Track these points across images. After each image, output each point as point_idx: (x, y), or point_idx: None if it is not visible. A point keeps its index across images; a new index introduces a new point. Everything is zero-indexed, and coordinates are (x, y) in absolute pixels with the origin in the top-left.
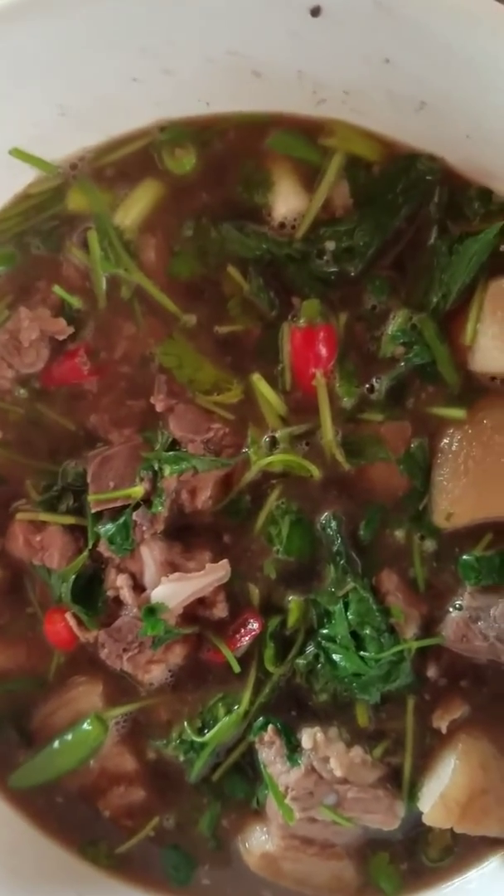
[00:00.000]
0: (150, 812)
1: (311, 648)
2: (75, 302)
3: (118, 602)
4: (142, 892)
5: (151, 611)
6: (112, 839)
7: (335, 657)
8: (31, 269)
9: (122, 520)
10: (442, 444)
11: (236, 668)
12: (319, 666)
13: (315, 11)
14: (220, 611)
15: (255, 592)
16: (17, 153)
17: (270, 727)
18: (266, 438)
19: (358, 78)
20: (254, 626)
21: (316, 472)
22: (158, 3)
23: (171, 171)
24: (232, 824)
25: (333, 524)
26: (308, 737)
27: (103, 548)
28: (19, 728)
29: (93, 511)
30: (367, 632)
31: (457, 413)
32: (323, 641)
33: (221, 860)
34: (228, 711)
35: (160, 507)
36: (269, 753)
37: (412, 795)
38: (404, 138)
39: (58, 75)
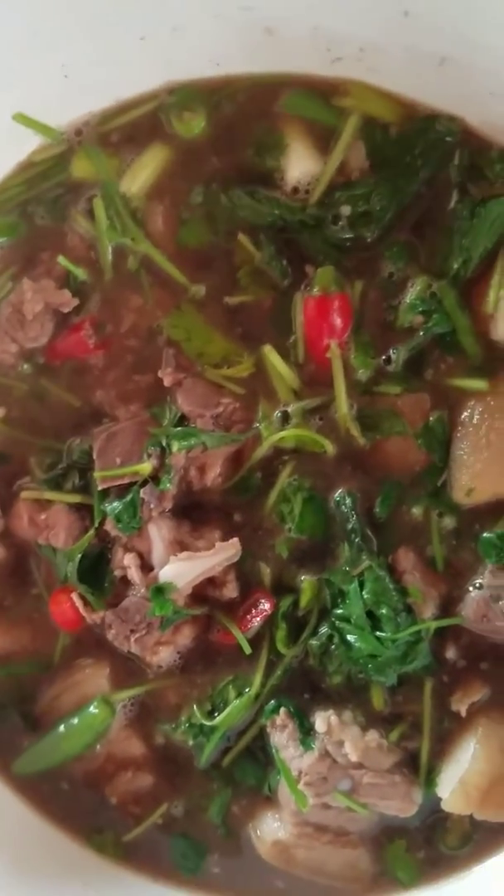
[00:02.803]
0: (158, 798)
1: (324, 629)
2: (80, 273)
3: (125, 582)
4: (150, 882)
5: (160, 590)
6: (119, 827)
7: (350, 638)
8: (34, 240)
9: (129, 497)
10: (462, 416)
11: (247, 650)
12: (333, 647)
13: None
14: (231, 591)
15: (266, 572)
16: (21, 118)
17: (283, 710)
18: (278, 413)
19: (375, 33)
20: (265, 606)
21: (330, 447)
22: None
23: (179, 135)
24: (243, 811)
25: (348, 501)
26: (322, 720)
27: (110, 526)
28: (24, 712)
29: (99, 489)
30: (384, 612)
31: (478, 384)
32: (337, 622)
33: (232, 848)
34: (239, 694)
35: (168, 485)
36: (282, 737)
37: (430, 781)
38: (423, 98)
39: (61, 33)
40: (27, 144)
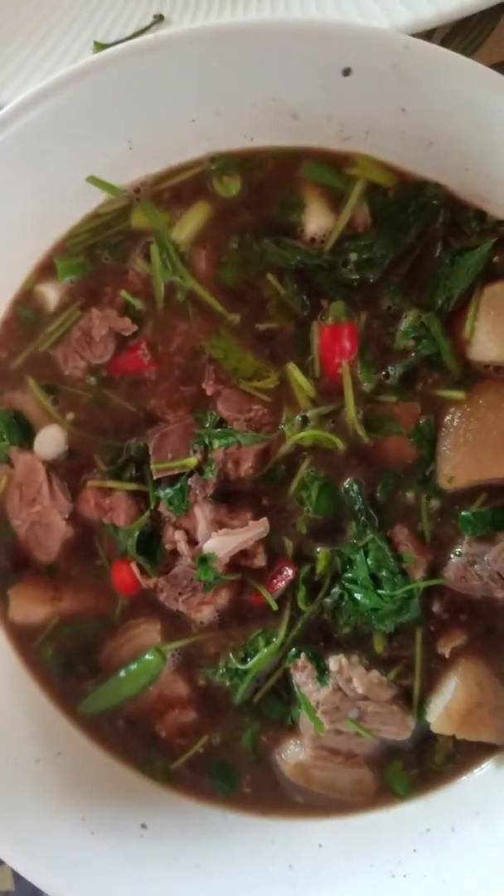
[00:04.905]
0: (200, 731)
1: (336, 590)
2: (138, 304)
3: (175, 554)
4: (193, 803)
5: (204, 560)
6: (167, 757)
7: (357, 596)
8: (100, 277)
9: (178, 485)
10: (445, 420)
11: (274, 606)
12: (343, 603)
13: (346, 72)
14: (260, 560)
15: (289, 545)
16: (93, 180)
17: (303, 655)
18: (298, 417)
19: (378, 122)
20: (288, 572)
21: (340, 444)
22: (216, 61)
23: (219, 195)
24: (270, 740)
25: (355, 487)
26: (334, 662)
27: (163, 508)
28: (88, 663)
29: (154, 478)
30: (384, 574)
31: (457, 395)
32: (346, 583)
33: (261, 771)
34: (267, 643)
35: (210, 475)
36: (302, 676)
37: (421, 711)
38: (414, 169)
39: (130, 118)
40: (94, 200)
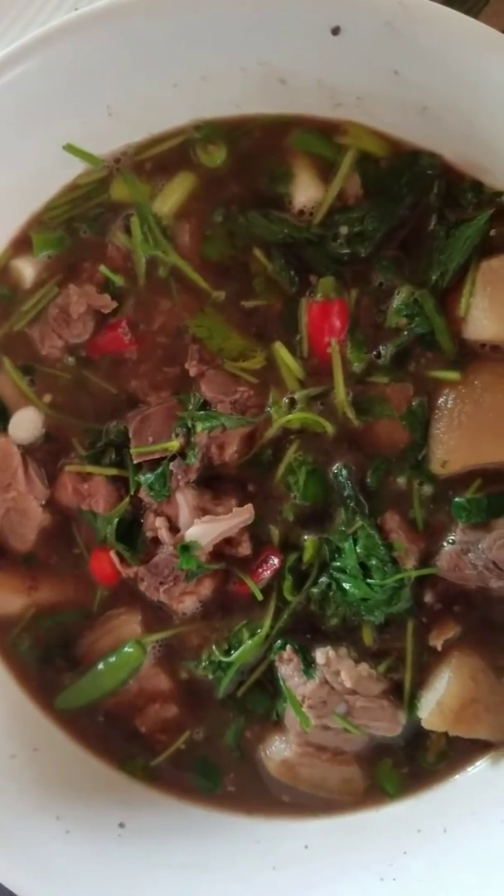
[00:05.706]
0: (182, 727)
1: (323, 579)
2: (118, 280)
3: (156, 542)
4: (175, 801)
5: (186, 548)
6: (147, 753)
7: (345, 585)
8: (78, 251)
9: (160, 470)
10: (439, 402)
11: (259, 597)
12: (331, 594)
13: (335, 31)
14: (245, 549)
15: (275, 533)
16: (70, 148)
17: (288, 647)
18: (286, 399)
19: (370, 86)
20: (274, 561)
21: (329, 428)
22: (201, 22)
23: (204, 165)
24: (254, 735)
25: (344, 473)
26: (321, 654)
27: (143, 494)
28: (66, 656)
29: (134, 462)
30: (374, 562)
31: (452, 375)
32: (334, 573)
33: (245, 769)
34: (252, 635)
35: (193, 459)
36: (288, 668)
37: (412, 706)
38: (408, 137)
39: (109, 82)
40: (73, 170)
